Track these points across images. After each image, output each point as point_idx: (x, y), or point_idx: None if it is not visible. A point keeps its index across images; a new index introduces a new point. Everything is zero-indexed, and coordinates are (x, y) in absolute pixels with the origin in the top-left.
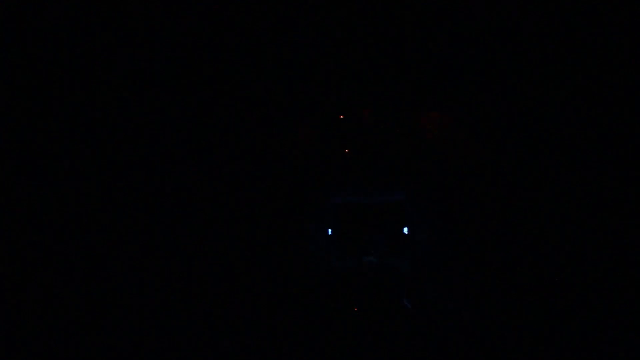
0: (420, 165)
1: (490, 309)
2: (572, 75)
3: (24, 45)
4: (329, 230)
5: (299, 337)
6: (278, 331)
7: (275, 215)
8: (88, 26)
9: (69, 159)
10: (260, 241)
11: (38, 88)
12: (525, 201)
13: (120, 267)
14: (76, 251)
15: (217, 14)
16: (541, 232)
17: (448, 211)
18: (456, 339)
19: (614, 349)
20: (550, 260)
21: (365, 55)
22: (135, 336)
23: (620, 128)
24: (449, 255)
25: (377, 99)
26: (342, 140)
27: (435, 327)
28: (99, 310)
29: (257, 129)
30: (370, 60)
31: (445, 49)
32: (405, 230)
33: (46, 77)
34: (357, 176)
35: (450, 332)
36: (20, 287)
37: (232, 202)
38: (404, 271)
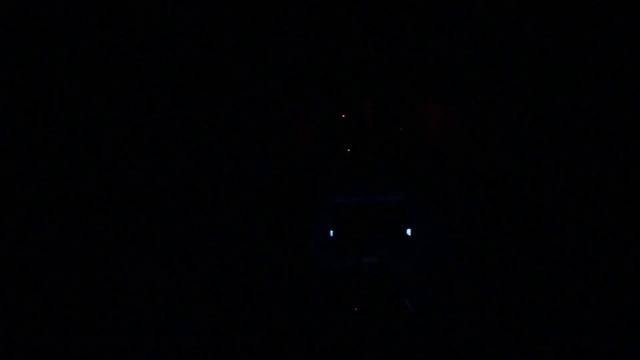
0: (421, 165)
1: (491, 308)
2: (573, 76)
3: (24, 45)
4: (331, 232)
5: (299, 337)
6: (278, 331)
7: (275, 215)
8: (88, 26)
9: (69, 159)
10: (260, 241)
11: (38, 88)
12: (526, 201)
13: (120, 267)
14: (76, 251)
15: (217, 14)
16: (542, 233)
17: (449, 211)
18: (456, 339)
19: (614, 349)
20: (550, 260)
21: (366, 54)
22: (135, 336)
23: (621, 128)
24: (449, 255)
25: (378, 98)
26: (342, 140)
27: (436, 327)
28: (99, 310)
29: (257, 128)
30: (371, 59)
31: (448, 47)
32: (409, 231)
33: (46, 77)
34: (357, 176)
35: (451, 332)
36: (20, 287)
37: (232, 202)
38: (404, 271)
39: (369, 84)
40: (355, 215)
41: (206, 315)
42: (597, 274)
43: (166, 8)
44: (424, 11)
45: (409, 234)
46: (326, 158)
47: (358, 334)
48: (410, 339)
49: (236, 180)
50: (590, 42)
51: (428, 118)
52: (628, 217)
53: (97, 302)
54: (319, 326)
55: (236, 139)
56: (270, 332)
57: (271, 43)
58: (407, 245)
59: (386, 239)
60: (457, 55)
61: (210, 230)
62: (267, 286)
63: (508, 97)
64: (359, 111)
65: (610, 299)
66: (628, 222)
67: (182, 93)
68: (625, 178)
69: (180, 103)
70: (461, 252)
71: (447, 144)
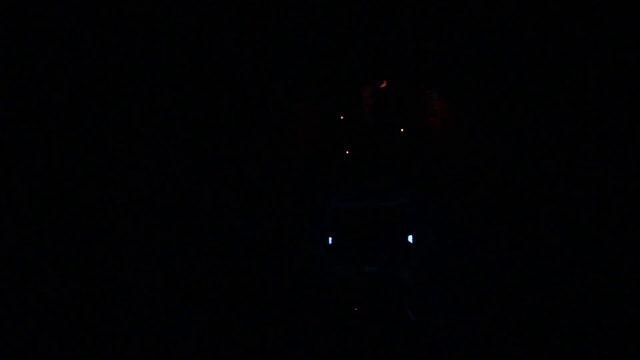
0: (424, 169)
1: (495, 317)
2: (578, 77)
3: (24, 45)
4: (330, 239)
5: (298, 339)
6: (277, 338)
7: (272, 220)
8: (88, 26)
9: (69, 159)
10: (258, 246)
11: (38, 88)
12: (534, 206)
13: (120, 267)
14: (76, 251)
15: (216, 13)
16: (549, 241)
17: (452, 216)
18: (459, 347)
19: (613, 349)
20: (557, 271)
21: (367, 53)
22: (135, 336)
23: (628, 121)
24: (453, 262)
25: (379, 97)
26: (341, 142)
27: (438, 334)
28: (99, 311)
29: (256, 128)
30: (372, 57)
31: (451, 45)
32: (410, 239)
33: (46, 77)
34: (357, 180)
35: (453, 341)
36: (20, 287)
37: (231, 204)
38: (406, 280)
39: (370, 83)
40: (355, 221)
41: (205, 320)
42: (599, 277)
43: (164, 7)
44: (427, 10)
45: (411, 241)
46: (326, 160)
47: (358, 340)
48: (411, 348)
49: (235, 182)
50: (593, 42)
51: (430, 119)
52: (628, 217)
53: (97, 302)
54: (319, 333)
55: (235, 140)
56: (267, 339)
57: (270, 41)
58: (408, 253)
59: (387, 246)
60: (462, 53)
61: (209, 234)
62: (264, 292)
63: (514, 97)
64: (359, 110)
65: (611, 299)
66: (628, 222)
67: (179, 92)
68: (626, 178)
69: (176, 102)
70: (465, 259)
71: (451, 146)
